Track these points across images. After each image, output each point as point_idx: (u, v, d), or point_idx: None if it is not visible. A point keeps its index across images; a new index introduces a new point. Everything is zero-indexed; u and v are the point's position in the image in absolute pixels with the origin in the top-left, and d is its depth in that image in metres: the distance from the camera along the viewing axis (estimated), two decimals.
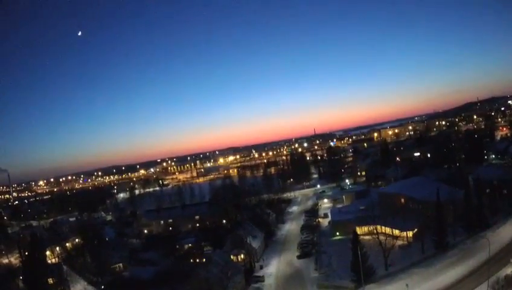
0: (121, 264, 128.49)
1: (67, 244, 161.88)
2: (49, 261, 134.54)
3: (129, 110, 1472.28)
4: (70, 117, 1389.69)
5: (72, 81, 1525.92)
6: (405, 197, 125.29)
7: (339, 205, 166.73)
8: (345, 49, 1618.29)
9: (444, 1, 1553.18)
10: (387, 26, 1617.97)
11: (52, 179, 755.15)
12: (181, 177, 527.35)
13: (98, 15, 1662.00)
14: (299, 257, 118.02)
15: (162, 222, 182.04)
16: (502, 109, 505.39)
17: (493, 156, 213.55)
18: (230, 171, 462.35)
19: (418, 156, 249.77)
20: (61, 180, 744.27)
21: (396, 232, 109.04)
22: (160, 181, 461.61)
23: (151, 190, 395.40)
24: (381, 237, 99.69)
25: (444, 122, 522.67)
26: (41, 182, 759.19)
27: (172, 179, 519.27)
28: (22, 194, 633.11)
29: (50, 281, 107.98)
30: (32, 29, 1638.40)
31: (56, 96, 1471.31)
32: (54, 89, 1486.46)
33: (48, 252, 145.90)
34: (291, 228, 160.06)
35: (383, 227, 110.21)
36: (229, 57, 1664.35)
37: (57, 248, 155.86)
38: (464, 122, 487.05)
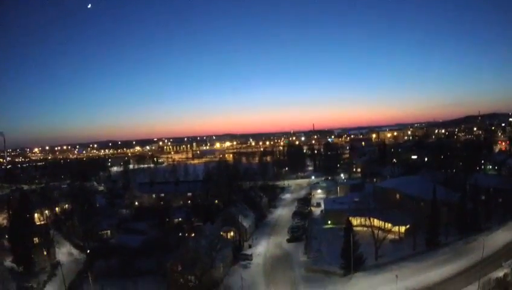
0: (108, 232, 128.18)
1: (56, 208, 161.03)
2: (37, 223, 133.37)
3: (131, 88, 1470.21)
4: (72, 88, 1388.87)
5: (76, 53, 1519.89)
6: (400, 193, 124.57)
7: (333, 196, 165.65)
8: (348, 50, 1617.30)
9: (452, 17, 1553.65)
10: (393, 33, 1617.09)
11: (47, 147, 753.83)
12: (176, 157, 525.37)
13: None
14: (288, 241, 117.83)
15: (154, 195, 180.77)
16: (503, 124, 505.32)
17: (490, 167, 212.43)
18: (226, 156, 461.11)
19: (415, 159, 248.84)
20: (56, 149, 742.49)
21: (389, 226, 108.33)
22: (155, 159, 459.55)
23: (145, 166, 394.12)
24: (374, 229, 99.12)
25: (443, 131, 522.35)
26: (36, 149, 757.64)
27: (167, 158, 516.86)
28: (16, 159, 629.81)
29: (36, 241, 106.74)
30: None
31: (60, 67, 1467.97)
32: (58, 59, 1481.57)
33: (36, 215, 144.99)
34: (282, 213, 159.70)
35: (376, 220, 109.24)
36: (234, 46, 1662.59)
37: (46, 211, 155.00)
38: (463, 134, 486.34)
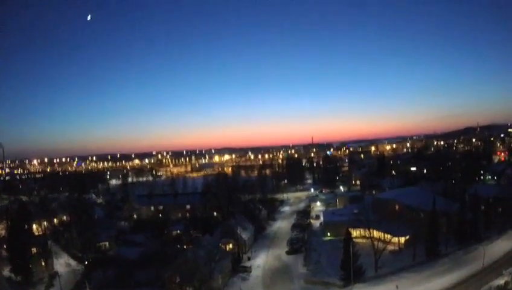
0: (107, 243, 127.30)
1: (55, 220, 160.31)
2: (36, 234, 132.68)
3: (130, 101, 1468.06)
4: (71, 101, 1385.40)
5: (75, 66, 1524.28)
6: (400, 204, 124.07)
7: (332, 208, 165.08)
8: (347, 63, 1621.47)
9: (451, 29, 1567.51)
10: (392, 46, 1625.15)
11: (46, 159, 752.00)
12: (175, 170, 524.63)
13: (108, 3, 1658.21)
14: (288, 253, 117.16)
15: (152, 208, 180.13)
16: (502, 135, 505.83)
17: (489, 177, 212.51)
18: (225, 169, 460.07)
19: (415, 170, 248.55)
20: (55, 161, 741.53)
21: (389, 237, 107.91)
22: (153, 172, 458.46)
23: (144, 179, 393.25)
24: (373, 240, 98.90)
25: (442, 143, 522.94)
26: (35, 161, 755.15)
27: (166, 171, 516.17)
28: (15, 171, 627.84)
29: (34, 251, 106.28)
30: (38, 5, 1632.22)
31: (60, 79, 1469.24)
32: (58, 71, 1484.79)
33: (35, 226, 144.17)
34: (282, 226, 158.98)
35: (375, 231, 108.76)
36: (233, 60, 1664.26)
37: (44, 223, 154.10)
38: (462, 145, 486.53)
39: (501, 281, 77.43)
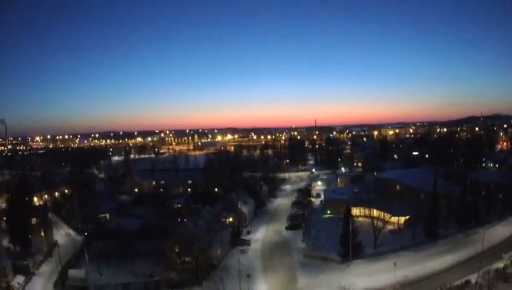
0: (107, 215, 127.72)
1: (56, 193, 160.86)
2: (36, 205, 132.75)
3: (134, 79, 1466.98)
4: (74, 79, 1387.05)
5: (80, 43, 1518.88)
6: (401, 184, 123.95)
7: (333, 187, 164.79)
8: (352, 48, 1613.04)
9: (456, 18, 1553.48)
10: (397, 33, 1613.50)
11: (48, 136, 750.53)
12: (178, 148, 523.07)
13: None
14: (287, 228, 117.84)
15: (154, 182, 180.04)
16: (505, 126, 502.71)
17: (491, 164, 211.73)
18: (227, 148, 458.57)
19: (417, 155, 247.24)
20: (57, 138, 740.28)
21: (388, 216, 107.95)
22: (156, 149, 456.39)
23: (146, 156, 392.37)
24: (373, 219, 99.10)
25: (445, 130, 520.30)
26: (37, 138, 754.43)
27: (168, 149, 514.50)
28: (17, 147, 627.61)
29: (34, 221, 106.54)
30: None
31: (63, 57, 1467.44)
32: (61, 49, 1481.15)
33: (35, 198, 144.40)
34: (282, 203, 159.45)
35: (375, 210, 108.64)
36: (238, 41, 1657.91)
37: (45, 195, 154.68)
38: (465, 133, 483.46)
39: (500, 265, 77.76)
